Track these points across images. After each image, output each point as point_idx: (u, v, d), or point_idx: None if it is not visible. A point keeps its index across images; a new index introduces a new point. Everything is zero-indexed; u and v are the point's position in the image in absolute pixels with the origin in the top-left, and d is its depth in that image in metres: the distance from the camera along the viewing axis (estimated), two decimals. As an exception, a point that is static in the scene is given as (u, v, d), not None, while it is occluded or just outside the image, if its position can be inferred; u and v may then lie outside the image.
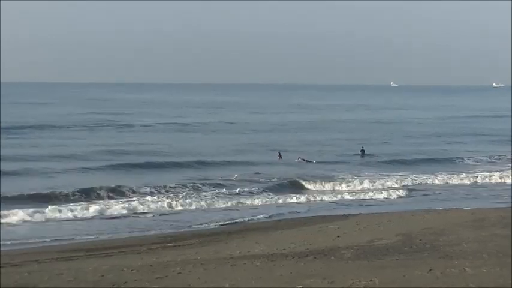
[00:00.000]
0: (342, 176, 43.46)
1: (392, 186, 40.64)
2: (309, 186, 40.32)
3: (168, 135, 74.14)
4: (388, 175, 45.15)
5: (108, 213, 31.80)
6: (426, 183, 42.59)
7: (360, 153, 57.01)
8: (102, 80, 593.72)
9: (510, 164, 49.26)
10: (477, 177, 43.93)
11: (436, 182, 42.90)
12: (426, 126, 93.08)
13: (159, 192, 36.53)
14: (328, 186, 40.59)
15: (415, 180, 43.17)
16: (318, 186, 40.33)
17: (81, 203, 33.37)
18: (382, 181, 41.95)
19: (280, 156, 53.95)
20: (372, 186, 40.58)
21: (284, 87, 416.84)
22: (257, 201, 35.24)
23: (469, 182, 43.00)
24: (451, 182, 42.92)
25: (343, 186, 40.37)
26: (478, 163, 52.49)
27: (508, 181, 42.21)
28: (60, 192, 35.35)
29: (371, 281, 15.29)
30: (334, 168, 48.01)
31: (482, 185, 42.38)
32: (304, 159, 51.50)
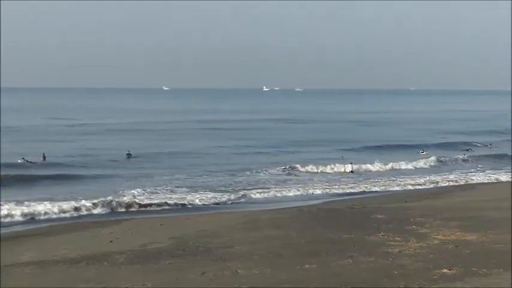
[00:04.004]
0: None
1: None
2: None
3: None
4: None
5: None
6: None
7: (126, 156, 57.77)
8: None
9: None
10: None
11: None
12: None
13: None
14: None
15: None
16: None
17: None
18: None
19: (44, 157, 53.85)
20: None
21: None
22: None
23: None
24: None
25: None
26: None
27: None
28: None
29: (144, 285, 15.56)
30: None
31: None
32: (27, 160, 51.41)
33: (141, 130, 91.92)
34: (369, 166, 53.61)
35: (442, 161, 58.11)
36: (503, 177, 48.64)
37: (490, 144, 74.07)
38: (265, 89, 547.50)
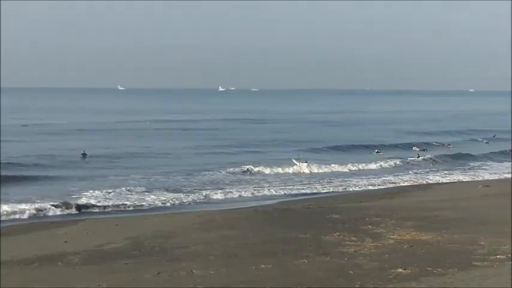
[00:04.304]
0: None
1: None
2: None
3: None
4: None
5: None
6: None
7: (81, 156, 57.51)
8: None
9: None
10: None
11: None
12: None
13: None
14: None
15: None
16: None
17: None
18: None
19: None
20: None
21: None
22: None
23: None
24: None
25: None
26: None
27: None
28: None
29: (99, 285, 15.57)
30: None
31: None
32: None
33: (96, 130, 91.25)
34: (327, 166, 53.87)
35: (399, 161, 58.51)
36: (461, 177, 49.26)
37: (449, 144, 75.04)
38: (221, 89, 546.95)
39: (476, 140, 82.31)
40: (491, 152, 65.77)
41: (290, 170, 51.96)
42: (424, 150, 67.92)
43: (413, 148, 69.60)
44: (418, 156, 61.39)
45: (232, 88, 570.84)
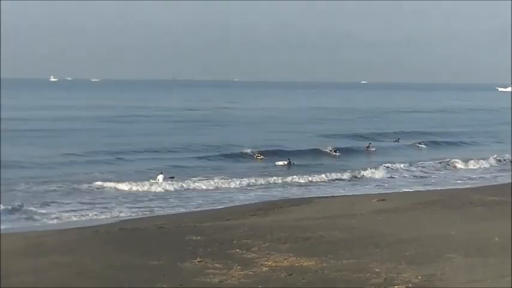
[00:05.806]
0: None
1: None
2: None
3: None
4: None
5: None
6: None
7: None
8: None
9: None
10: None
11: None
12: None
13: None
14: None
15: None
16: None
17: None
18: None
19: None
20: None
21: None
22: None
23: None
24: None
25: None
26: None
27: None
28: None
29: None
30: None
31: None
32: None
33: None
34: (190, 179, 53.33)
35: (276, 170, 58.76)
36: (354, 189, 50.19)
37: (370, 143, 78.25)
38: (52, 79, 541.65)
39: (382, 145, 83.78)
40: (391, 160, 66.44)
41: (143, 184, 51.28)
42: (335, 152, 70.00)
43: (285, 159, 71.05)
44: (290, 164, 61.75)
45: (69, 78, 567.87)
